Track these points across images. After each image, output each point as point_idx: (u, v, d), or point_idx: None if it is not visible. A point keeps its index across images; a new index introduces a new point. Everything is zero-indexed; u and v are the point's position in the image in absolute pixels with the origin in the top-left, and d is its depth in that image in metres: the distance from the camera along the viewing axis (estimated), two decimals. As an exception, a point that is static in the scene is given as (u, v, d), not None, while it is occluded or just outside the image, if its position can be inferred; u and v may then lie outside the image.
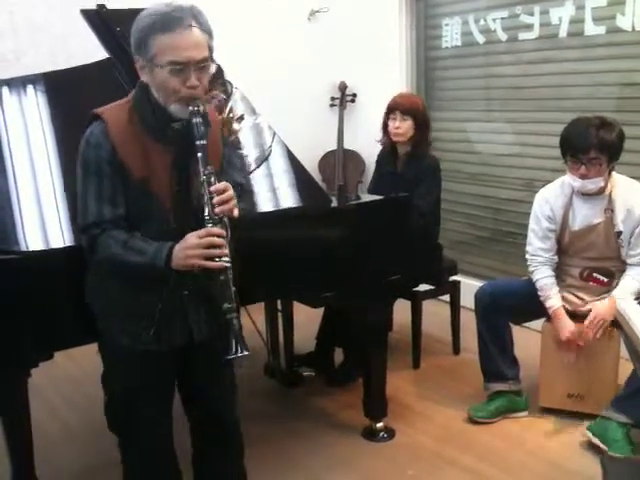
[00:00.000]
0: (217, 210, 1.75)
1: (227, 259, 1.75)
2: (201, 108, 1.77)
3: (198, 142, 1.75)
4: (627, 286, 2.82)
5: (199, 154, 1.75)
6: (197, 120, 1.75)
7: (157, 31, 1.72)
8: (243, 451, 2.21)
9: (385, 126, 3.46)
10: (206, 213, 1.75)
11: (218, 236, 1.74)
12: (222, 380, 2.10)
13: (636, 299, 2.66)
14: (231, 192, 1.79)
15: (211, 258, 1.74)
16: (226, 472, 2.20)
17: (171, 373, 2.01)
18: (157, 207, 1.81)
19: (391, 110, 3.41)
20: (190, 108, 1.75)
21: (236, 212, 1.80)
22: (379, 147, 3.67)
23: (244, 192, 2.04)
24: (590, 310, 2.85)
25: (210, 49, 1.79)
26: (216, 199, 1.75)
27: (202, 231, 1.75)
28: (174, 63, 1.72)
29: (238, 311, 1.83)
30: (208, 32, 1.78)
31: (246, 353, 1.78)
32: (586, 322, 2.83)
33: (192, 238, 1.75)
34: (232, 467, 2.20)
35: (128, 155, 1.78)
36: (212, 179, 1.75)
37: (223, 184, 1.78)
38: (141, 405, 1.96)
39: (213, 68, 1.82)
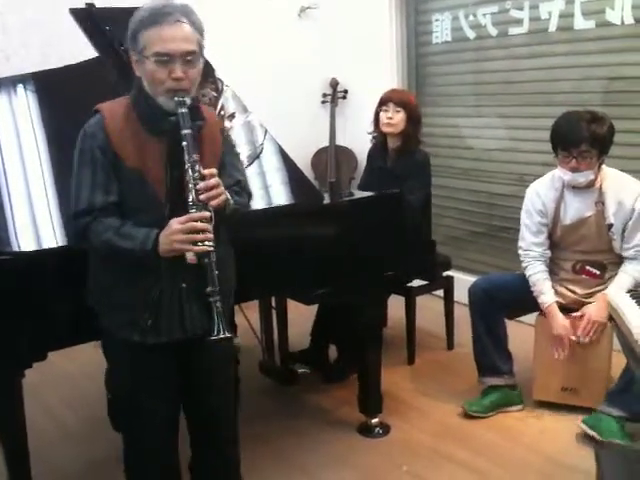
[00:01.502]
0: (202, 197, 1.78)
1: (210, 243, 1.78)
2: (187, 100, 1.82)
3: (183, 131, 1.79)
4: (621, 282, 2.83)
5: (184, 143, 1.79)
6: (183, 111, 1.80)
7: (146, 25, 1.80)
8: (239, 461, 2.21)
9: (377, 119, 3.46)
10: (190, 199, 1.79)
11: (201, 221, 1.78)
12: (221, 382, 2.10)
13: (628, 292, 2.67)
14: (217, 180, 1.83)
15: (194, 243, 1.77)
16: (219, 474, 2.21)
17: (173, 369, 2.00)
18: (152, 198, 1.85)
19: (384, 102, 3.43)
20: (175, 99, 1.80)
21: (215, 202, 1.81)
22: (371, 143, 3.67)
23: (244, 189, 2.08)
24: (583, 314, 2.87)
25: (200, 46, 1.85)
26: (201, 185, 1.78)
27: (184, 217, 1.78)
28: (159, 54, 1.78)
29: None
30: (198, 30, 1.84)
31: (228, 335, 1.81)
32: (579, 329, 2.84)
33: (175, 224, 1.78)
34: (225, 476, 2.20)
35: (122, 145, 1.83)
36: (196, 167, 1.79)
37: (208, 170, 1.81)
38: (145, 399, 1.96)
39: (201, 65, 1.87)
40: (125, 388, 2.01)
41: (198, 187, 1.78)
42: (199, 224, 1.77)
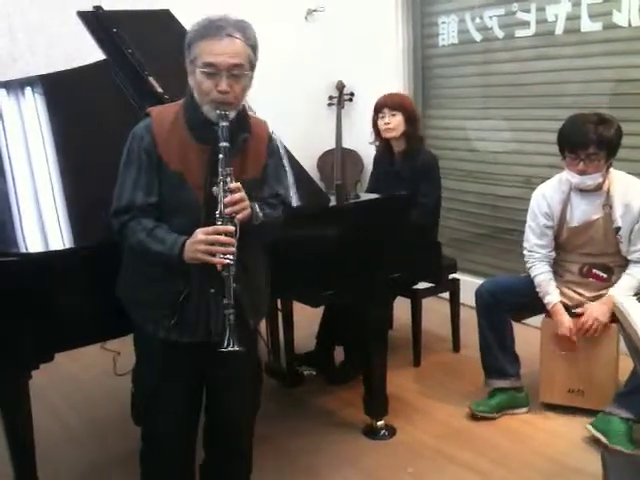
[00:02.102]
0: (226, 210, 1.83)
1: (231, 257, 1.82)
2: (230, 114, 1.86)
3: (221, 144, 1.83)
4: (625, 284, 2.82)
5: (220, 155, 1.83)
6: (223, 124, 1.84)
7: (199, 37, 1.87)
8: (251, 466, 2.26)
9: (376, 127, 3.47)
10: (217, 211, 1.83)
11: (225, 234, 1.82)
12: (241, 389, 2.12)
13: (635, 295, 2.67)
14: (241, 195, 1.86)
15: (215, 254, 1.82)
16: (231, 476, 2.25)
17: (196, 369, 2.04)
18: (191, 202, 1.90)
19: (379, 109, 3.43)
20: (217, 112, 1.85)
21: (239, 216, 1.85)
22: (375, 150, 3.67)
23: (282, 203, 2.11)
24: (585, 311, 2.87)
25: (250, 62, 1.90)
26: (227, 199, 1.83)
27: (209, 228, 1.83)
28: (206, 65, 1.84)
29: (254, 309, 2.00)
30: (251, 46, 1.90)
31: (236, 348, 1.84)
32: (580, 325, 2.84)
33: (199, 234, 1.83)
34: (235, 477, 2.25)
35: (167, 149, 1.90)
36: (228, 180, 1.84)
37: (235, 185, 1.85)
38: (165, 396, 2.01)
39: (249, 81, 1.92)
40: (146, 382, 2.05)
41: (226, 200, 1.83)
42: (222, 237, 1.82)
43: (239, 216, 1.85)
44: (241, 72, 1.87)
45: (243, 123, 1.96)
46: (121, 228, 1.92)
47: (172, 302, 1.92)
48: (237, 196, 1.85)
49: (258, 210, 1.95)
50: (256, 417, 2.25)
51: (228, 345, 1.84)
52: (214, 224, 1.84)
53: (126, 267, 2.03)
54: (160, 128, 1.91)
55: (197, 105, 1.90)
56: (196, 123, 1.91)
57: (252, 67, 1.92)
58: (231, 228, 1.83)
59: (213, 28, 1.85)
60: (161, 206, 1.92)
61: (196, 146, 1.91)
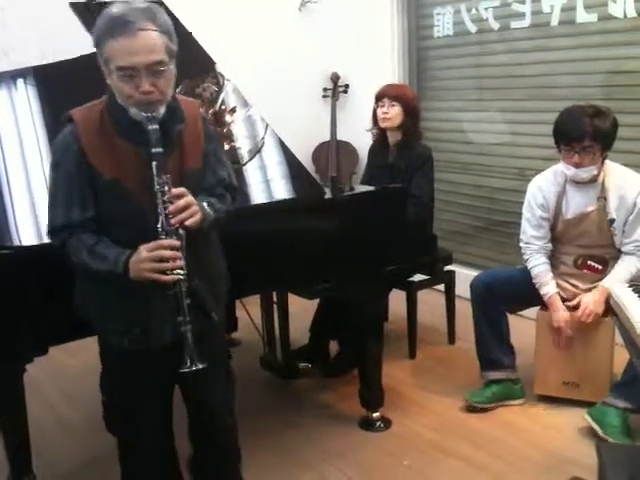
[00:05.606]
0: (173, 221, 1.72)
1: (180, 271, 1.72)
2: (159, 113, 1.72)
3: (153, 150, 1.70)
4: (618, 275, 2.83)
5: (154, 163, 1.70)
6: (153, 127, 1.70)
7: (107, 36, 1.67)
8: (239, 456, 2.20)
9: (375, 116, 3.47)
10: (159, 224, 1.71)
11: (171, 248, 1.72)
12: (215, 381, 2.05)
13: (630, 286, 2.67)
14: (188, 199, 1.75)
15: (163, 271, 1.71)
16: (220, 475, 2.20)
17: (166, 373, 1.93)
18: (134, 207, 1.76)
19: (379, 98, 3.44)
20: (144, 114, 1.70)
21: (189, 222, 1.75)
22: (372, 139, 3.67)
23: (229, 187, 1.99)
24: (579, 302, 2.88)
25: (169, 52, 1.72)
26: (171, 208, 1.71)
27: (152, 244, 1.71)
28: (122, 69, 1.67)
29: (210, 320, 1.86)
30: (166, 33, 1.71)
31: (200, 366, 1.76)
32: (576, 316, 2.86)
33: (143, 252, 1.71)
34: (224, 469, 2.19)
35: (97, 156, 1.74)
36: (166, 188, 1.71)
37: (176, 190, 1.73)
38: (137, 404, 1.95)
39: (172, 72, 1.75)
40: (118, 391, 1.99)
41: (170, 210, 1.71)
42: (167, 252, 1.71)
43: (188, 222, 1.74)
44: (163, 67, 1.69)
45: (176, 112, 1.80)
46: (61, 246, 1.79)
47: (135, 314, 1.83)
48: (182, 203, 1.73)
49: (208, 209, 1.83)
50: (252, 409, 2.23)
51: (192, 365, 1.75)
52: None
53: (80, 284, 1.90)
54: (87, 133, 1.74)
55: (121, 106, 1.73)
56: (124, 124, 1.74)
57: (172, 56, 1.73)
58: (176, 242, 1.71)
59: (121, 24, 1.64)
60: (100, 218, 1.78)
61: (129, 148, 1.75)
